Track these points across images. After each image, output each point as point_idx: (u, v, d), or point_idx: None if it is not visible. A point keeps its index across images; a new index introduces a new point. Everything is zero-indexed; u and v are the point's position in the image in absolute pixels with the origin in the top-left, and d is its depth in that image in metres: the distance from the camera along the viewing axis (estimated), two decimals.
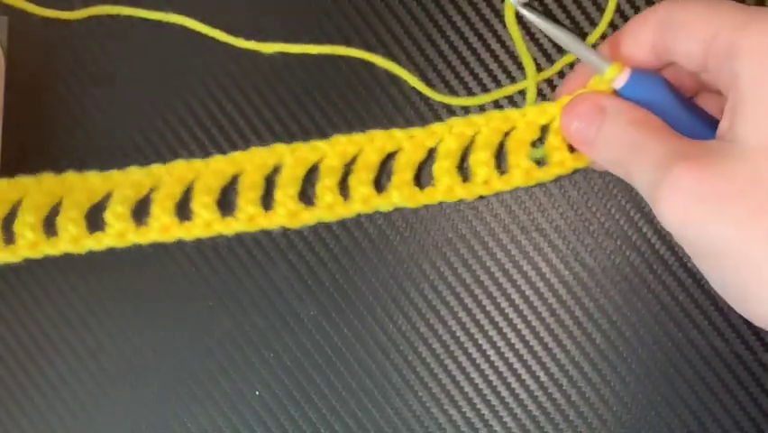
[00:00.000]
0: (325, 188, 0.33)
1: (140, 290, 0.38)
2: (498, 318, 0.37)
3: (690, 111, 0.31)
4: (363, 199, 0.33)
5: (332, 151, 0.34)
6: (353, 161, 0.34)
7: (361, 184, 0.33)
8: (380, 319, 0.38)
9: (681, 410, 0.37)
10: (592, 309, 0.37)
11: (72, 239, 0.33)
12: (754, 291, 0.26)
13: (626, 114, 0.30)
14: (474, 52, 0.38)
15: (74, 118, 0.39)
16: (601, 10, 0.37)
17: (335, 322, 0.38)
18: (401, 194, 0.33)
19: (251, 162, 0.33)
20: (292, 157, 0.34)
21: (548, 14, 0.37)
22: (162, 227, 0.33)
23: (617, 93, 0.31)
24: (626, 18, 0.37)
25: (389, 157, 0.35)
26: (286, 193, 0.33)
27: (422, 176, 0.36)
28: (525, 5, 0.30)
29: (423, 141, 0.34)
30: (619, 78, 0.31)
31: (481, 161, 0.33)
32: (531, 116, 0.33)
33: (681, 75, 0.32)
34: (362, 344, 0.38)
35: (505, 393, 0.37)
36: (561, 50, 0.37)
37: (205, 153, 0.38)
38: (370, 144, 0.33)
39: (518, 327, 0.37)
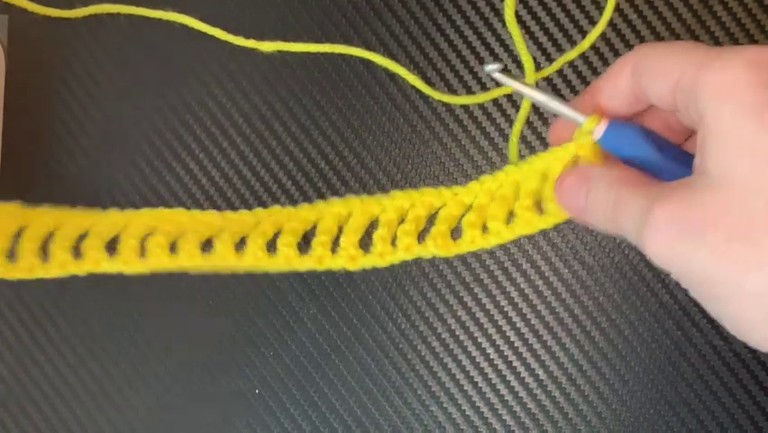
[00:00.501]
0: (380, 237, 0.36)
1: (140, 291, 0.38)
2: (498, 317, 0.38)
3: (670, 154, 0.32)
4: (406, 248, 0.36)
5: (390, 205, 0.37)
6: (406, 214, 0.37)
7: (406, 235, 0.36)
8: (380, 318, 0.38)
9: (679, 408, 0.37)
10: (591, 308, 0.37)
11: (124, 262, 0.36)
12: (741, 316, 0.27)
13: (606, 176, 0.31)
14: (474, 51, 0.38)
15: (74, 117, 0.39)
16: (601, 9, 0.37)
17: (335, 321, 0.38)
18: (436, 244, 0.36)
19: (329, 211, 0.37)
20: (360, 208, 0.37)
21: (553, 18, 0.37)
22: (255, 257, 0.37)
23: (598, 144, 0.33)
24: (625, 18, 0.37)
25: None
26: (350, 240, 0.36)
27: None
28: (503, 71, 0.32)
29: (462, 198, 0.37)
30: (598, 129, 0.32)
31: (497, 217, 0.36)
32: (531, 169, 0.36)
33: (670, 119, 0.33)
34: (362, 342, 0.38)
35: (504, 391, 0.38)
36: (560, 50, 0.37)
37: (205, 151, 0.38)
38: (420, 200, 0.37)
39: (517, 325, 0.37)
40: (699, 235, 0.27)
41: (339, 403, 0.38)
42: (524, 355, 0.38)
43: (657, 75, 0.30)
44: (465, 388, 0.38)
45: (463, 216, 0.36)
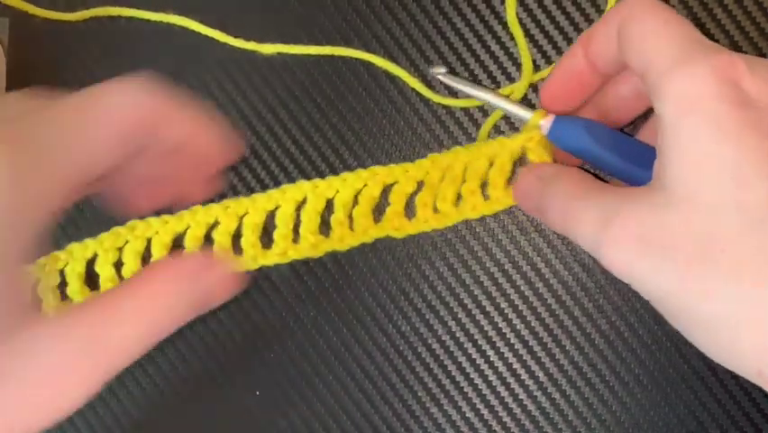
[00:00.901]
0: (337, 221, 0.37)
1: None
2: (498, 319, 0.38)
3: (625, 151, 0.32)
4: (364, 231, 0.37)
5: (342, 186, 0.37)
6: (359, 194, 0.37)
7: (362, 216, 0.37)
8: (379, 320, 0.38)
9: (679, 410, 0.37)
10: (591, 310, 0.37)
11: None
12: (700, 339, 0.27)
13: (559, 181, 0.31)
14: (474, 54, 0.38)
15: None
16: (600, 11, 0.37)
17: (334, 322, 0.38)
18: (392, 224, 0.37)
19: (286, 199, 0.37)
20: (313, 193, 0.37)
21: (552, 21, 0.37)
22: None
23: (547, 139, 0.34)
24: None
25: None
26: (308, 228, 0.37)
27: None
28: (448, 74, 0.32)
29: (414, 174, 0.37)
30: (544, 124, 0.33)
31: (446, 198, 0.37)
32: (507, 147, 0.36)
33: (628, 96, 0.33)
34: (361, 344, 0.38)
35: (504, 393, 0.37)
36: (559, 52, 0.37)
37: None
38: (372, 179, 0.37)
39: (517, 327, 0.37)
40: (659, 256, 0.26)
41: (338, 405, 0.38)
42: (523, 357, 0.38)
43: (631, 50, 0.29)
44: (465, 390, 0.38)
45: (415, 194, 0.37)
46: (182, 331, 0.38)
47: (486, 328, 0.38)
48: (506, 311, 0.38)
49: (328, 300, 0.38)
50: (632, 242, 0.26)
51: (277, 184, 0.38)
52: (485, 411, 0.38)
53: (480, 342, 0.38)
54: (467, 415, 0.38)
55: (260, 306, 0.38)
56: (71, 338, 0.23)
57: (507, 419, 0.37)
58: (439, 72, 0.33)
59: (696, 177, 0.26)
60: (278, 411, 0.38)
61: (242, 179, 0.38)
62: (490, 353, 0.38)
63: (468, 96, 0.36)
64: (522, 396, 0.37)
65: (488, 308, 0.38)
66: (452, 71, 0.35)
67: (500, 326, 0.38)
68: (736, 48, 0.36)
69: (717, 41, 0.36)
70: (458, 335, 0.38)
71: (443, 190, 0.36)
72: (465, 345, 0.38)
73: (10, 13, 0.39)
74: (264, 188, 0.38)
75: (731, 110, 0.25)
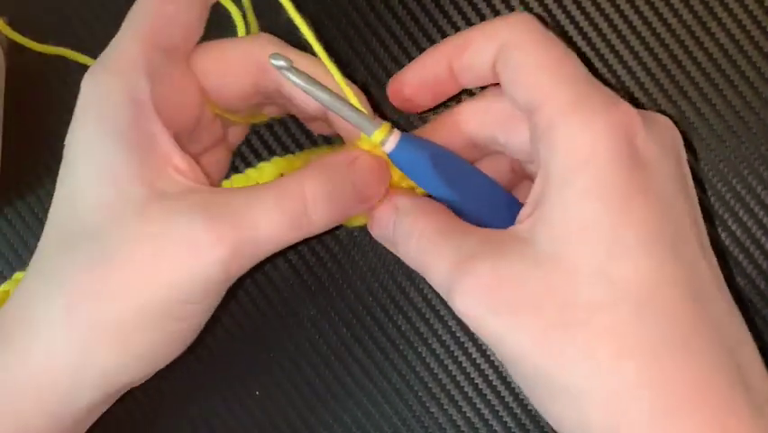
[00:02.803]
0: None
1: None
2: None
3: (470, 191, 0.29)
4: None
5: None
6: None
7: None
8: (379, 319, 0.38)
9: None
10: None
11: None
12: (550, 409, 0.25)
13: (415, 215, 0.28)
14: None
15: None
16: (601, 10, 0.37)
17: (334, 322, 0.38)
18: None
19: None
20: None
21: (554, 21, 0.37)
22: None
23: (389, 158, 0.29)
24: (625, 18, 0.37)
25: None
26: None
27: None
28: (291, 69, 0.27)
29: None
30: (388, 143, 0.28)
31: None
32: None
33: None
34: (361, 344, 0.38)
35: (505, 393, 0.37)
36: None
37: None
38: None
39: None
40: (516, 316, 0.24)
41: (338, 405, 0.38)
42: None
43: (518, 83, 0.26)
44: (465, 390, 0.38)
45: None
46: None
47: None
48: None
49: (328, 300, 0.38)
50: (484, 295, 0.25)
51: None
52: (486, 411, 0.38)
53: (480, 341, 0.38)
54: (468, 415, 0.38)
55: (261, 306, 0.38)
56: (213, 208, 0.26)
57: (507, 419, 0.37)
58: (278, 64, 0.27)
59: (573, 240, 0.24)
60: (279, 411, 0.38)
61: None
62: (491, 351, 0.38)
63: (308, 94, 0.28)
64: (523, 395, 0.37)
65: None
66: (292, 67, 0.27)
67: None
68: (737, 47, 0.36)
69: (717, 39, 0.36)
70: (458, 334, 0.38)
71: None
72: (466, 345, 0.38)
73: (11, 11, 0.38)
74: None
75: (623, 173, 0.24)
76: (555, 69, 0.26)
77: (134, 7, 0.29)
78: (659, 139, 0.25)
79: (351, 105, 0.28)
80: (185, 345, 0.29)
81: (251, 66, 0.30)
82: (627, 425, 0.23)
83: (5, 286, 0.34)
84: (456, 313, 0.26)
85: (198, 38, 0.30)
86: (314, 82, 0.27)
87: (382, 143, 0.28)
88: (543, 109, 0.25)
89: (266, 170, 0.33)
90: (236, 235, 0.26)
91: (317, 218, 0.27)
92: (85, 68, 0.38)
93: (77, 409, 0.28)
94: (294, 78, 0.27)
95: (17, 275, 0.34)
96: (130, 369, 0.28)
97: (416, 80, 0.30)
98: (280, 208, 0.26)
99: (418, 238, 0.28)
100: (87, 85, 0.28)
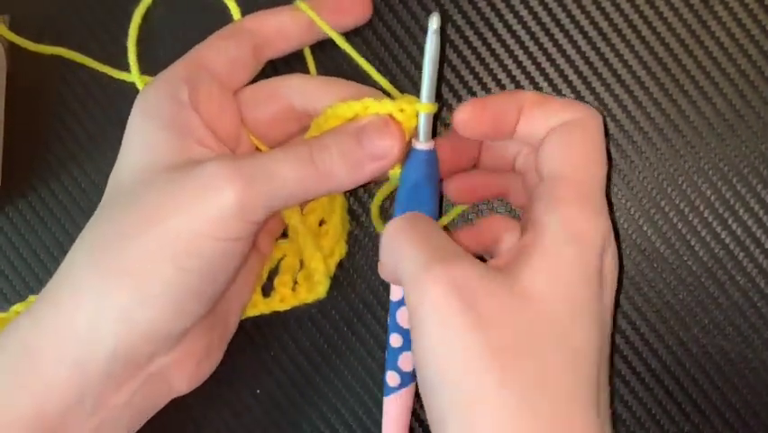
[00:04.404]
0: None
1: None
2: None
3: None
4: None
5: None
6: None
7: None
8: (380, 317, 0.38)
9: (678, 410, 0.37)
10: None
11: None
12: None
13: (392, 226, 0.31)
14: (479, 57, 0.37)
15: (75, 117, 0.39)
16: (605, 14, 0.37)
17: (335, 321, 0.38)
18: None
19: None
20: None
21: (555, 21, 0.37)
22: None
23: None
24: (630, 23, 0.37)
25: None
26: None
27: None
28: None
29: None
30: (422, 145, 0.32)
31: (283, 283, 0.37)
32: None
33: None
34: (362, 342, 0.38)
35: None
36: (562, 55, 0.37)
37: None
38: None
39: None
40: (480, 323, 0.27)
41: (340, 403, 0.38)
42: None
43: (555, 164, 0.30)
44: None
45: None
46: None
47: None
48: None
49: (328, 298, 0.38)
50: (464, 283, 0.27)
51: None
52: None
53: None
54: None
55: None
56: (230, 157, 0.31)
57: None
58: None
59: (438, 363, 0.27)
60: (279, 411, 0.38)
61: None
62: None
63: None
64: None
65: None
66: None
67: None
68: (737, 46, 0.36)
69: (718, 38, 0.36)
70: None
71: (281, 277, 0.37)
72: None
73: (11, 10, 0.38)
74: None
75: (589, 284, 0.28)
76: (585, 169, 0.30)
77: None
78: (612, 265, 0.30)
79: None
80: (200, 300, 0.30)
81: (280, 98, 0.34)
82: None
83: (18, 307, 0.35)
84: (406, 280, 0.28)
85: (246, 77, 0.34)
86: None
87: (414, 143, 0.32)
88: (559, 188, 0.29)
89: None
90: (248, 171, 0.29)
91: (327, 167, 0.30)
92: (85, 68, 0.39)
93: (100, 358, 0.29)
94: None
95: (30, 298, 0.36)
96: (147, 310, 0.29)
97: (489, 110, 0.32)
98: (286, 153, 0.30)
99: (393, 244, 0.30)
100: (141, 92, 0.32)
